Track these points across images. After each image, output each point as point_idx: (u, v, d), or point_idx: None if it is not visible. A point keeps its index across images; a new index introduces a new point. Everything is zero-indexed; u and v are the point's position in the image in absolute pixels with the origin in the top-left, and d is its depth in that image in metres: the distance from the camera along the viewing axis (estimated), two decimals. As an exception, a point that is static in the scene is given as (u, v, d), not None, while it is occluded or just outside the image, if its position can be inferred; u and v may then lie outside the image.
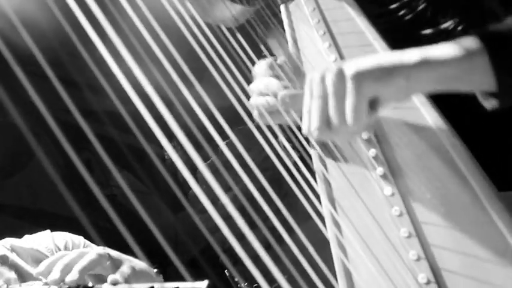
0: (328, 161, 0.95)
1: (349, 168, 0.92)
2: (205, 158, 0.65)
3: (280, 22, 1.22)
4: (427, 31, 1.00)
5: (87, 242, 1.40)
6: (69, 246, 1.37)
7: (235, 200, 0.64)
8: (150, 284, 0.96)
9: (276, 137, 0.91)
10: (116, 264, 1.08)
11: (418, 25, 1.01)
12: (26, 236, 1.40)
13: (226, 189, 0.65)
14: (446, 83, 0.76)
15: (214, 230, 0.66)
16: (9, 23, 0.60)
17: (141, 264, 1.11)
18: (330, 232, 0.85)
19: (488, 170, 0.84)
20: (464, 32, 0.95)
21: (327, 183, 0.92)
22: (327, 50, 1.09)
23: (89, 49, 0.60)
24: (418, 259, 0.78)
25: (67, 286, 1.02)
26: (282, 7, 1.24)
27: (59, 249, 1.36)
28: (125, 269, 1.06)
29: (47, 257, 1.33)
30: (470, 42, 0.72)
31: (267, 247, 0.64)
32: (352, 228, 0.84)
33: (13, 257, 1.28)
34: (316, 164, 0.95)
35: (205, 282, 0.89)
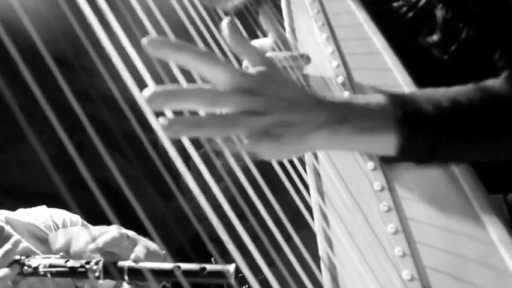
0: (320, 153, 0.96)
1: (340, 160, 0.93)
2: (198, 146, 0.66)
3: (280, 11, 1.23)
4: (426, 30, 1.01)
5: (85, 222, 1.42)
6: (67, 224, 1.39)
7: (226, 191, 0.65)
8: (176, 264, 0.97)
9: None
10: (132, 244, 1.10)
11: (417, 24, 1.01)
12: (21, 210, 1.41)
13: (218, 179, 0.65)
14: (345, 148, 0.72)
15: (204, 219, 0.67)
16: (5, 2, 0.61)
17: (153, 244, 1.13)
18: (317, 224, 0.87)
19: (478, 173, 0.85)
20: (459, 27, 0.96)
21: (317, 175, 0.93)
22: (325, 41, 1.10)
23: (86, 31, 0.61)
24: (403, 255, 0.80)
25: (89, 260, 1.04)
26: (282, -4, 1.25)
27: (57, 226, 1.37)
28: (141, 248, 1.08)
29: (44, 232, 1.34)
30: (390, 117, 0.66)
31: (255, 239, 0.65)
32: (340, 222, 0.86)
33: (8, 228, 1.29)
34: (307, 155, 0.96)
35: (233, 266, 0.90)
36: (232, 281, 0.91)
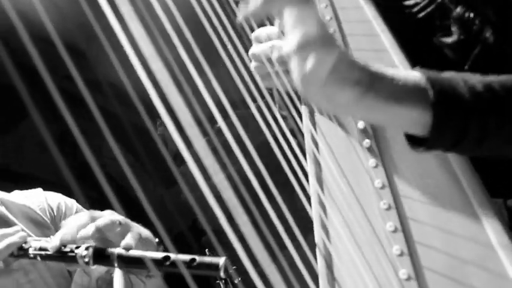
0: (321, 144, 0.97)
1: (341, 154, 0.94)
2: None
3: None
4: (441, 30, 1.02)
5: (80, 206, 1.43)
6: (62, 208, 1.40)
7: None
8: (166, 253, 0.98)
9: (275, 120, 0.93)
10: (125, 230, 1.11)
11: (432, 23, 1.02)
12: (17, 192, 1.42)
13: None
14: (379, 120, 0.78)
15: (201, 209, 0.68)
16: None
17: (146, 231, 1.14)
18: (314, 211, 0.88)
19: (480, 176, 0.86)
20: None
21: (317, 164, 0.94)
22: (332, 36, 1.10)
23: (99, 20, 0.62)
24: (401, 254, 0.81)
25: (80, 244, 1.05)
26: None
27: (52, 210, 1.38)
28: (134, 234, 1.09)
29: (39, 215, 1.35)
30: (424, 92, 0.70)
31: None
32: (338, 213, 0.87)
33: (2, 209, 1.31)
34: (308, 144, 0.97)
35: (223, 259, 0.92)
36: (222, 273, 0.93)
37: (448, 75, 0.71)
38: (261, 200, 0.71)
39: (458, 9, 1.00)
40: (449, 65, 1.02)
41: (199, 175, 0.59)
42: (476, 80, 0.71)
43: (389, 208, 0.86)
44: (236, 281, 0.99)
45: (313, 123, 1.01)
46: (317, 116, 1.01)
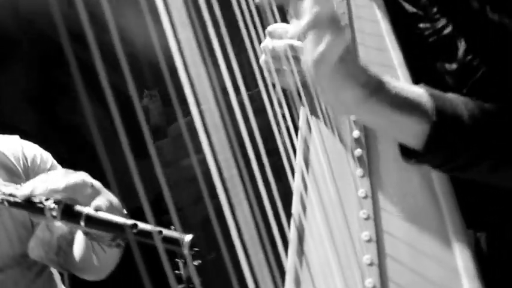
0: (314, 143, 1.01)
1: (332, 158, 0.98)
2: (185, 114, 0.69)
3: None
4: (445, 56, 1.06)
5: (55, 161, 1.44)
6: (37, 160, 1.41)
7: (202, 164, 0.68)
8: (134, 221, 1.01)
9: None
10: (95, 194, 1.13)
11: (438, 49, 1.06)
12: None
13: (197, 151, 0.69)
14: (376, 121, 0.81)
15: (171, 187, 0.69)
16: None
17: (116, 200, 1.16)
18: (295, 186, 0.94)
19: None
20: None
21: (306, 145, 1.00)
22: (344, 43, 1.14)
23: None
24: (371, 264, 0.85)
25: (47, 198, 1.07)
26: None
27: (26, 160, 1.40)
28: (104, 199, 1.11)
29: (11, 162, 1.37)
30: (426, 106, 0.76)
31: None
32: (318, 197, 0.92)
33: None
34: (301, 140, 1.03)
35: (190, 236, 0.95)
36: (186, 250, 0.96)
37: (450, 96, 0.76)
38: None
39: (464, 41, 1.04)
40: (448, 91, 1.07)
41: (208, 149, 0.61)
42: (475, 104, 0.76)
43: (368, 218, 0.90)
44: (196, 263, 1.02)
45: (309, 126, 1.05)
46: (314, 119, 1.05)
